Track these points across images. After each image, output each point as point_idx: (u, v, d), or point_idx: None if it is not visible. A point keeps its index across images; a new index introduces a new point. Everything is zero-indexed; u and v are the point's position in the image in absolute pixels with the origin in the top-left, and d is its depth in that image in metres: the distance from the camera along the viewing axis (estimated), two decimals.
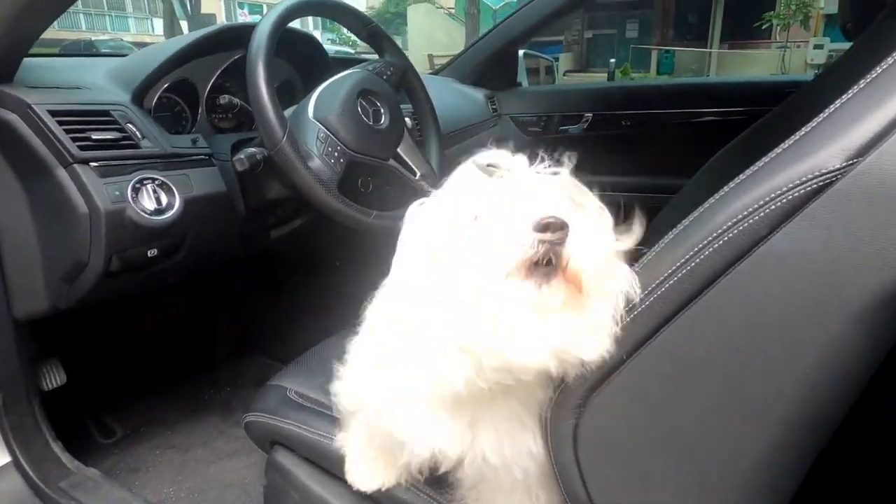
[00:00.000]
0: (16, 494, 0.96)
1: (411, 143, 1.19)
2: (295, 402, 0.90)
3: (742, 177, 0.50)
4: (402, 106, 1.23)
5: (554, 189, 0.55)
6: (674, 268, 0.50)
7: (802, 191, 0.45)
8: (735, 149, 1.06)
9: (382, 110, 1.09)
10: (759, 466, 0.50)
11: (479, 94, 2.26)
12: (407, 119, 1.37)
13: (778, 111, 1.08)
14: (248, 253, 1.34)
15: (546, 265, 0.50)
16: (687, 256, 0.49)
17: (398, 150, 1.13)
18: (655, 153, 2.11)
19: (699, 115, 2.02)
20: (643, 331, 0.52)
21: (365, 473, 0.76)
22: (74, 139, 0.88)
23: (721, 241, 0.47)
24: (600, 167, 2.24)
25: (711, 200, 0.52)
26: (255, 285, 1.60)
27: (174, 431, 1.34)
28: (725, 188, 0.51)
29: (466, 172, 0.58)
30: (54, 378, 1.09)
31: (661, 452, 0.53)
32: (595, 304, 0.51)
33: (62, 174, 0.87)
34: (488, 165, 0.55)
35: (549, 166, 0.57)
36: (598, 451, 0.57)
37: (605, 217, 0.57)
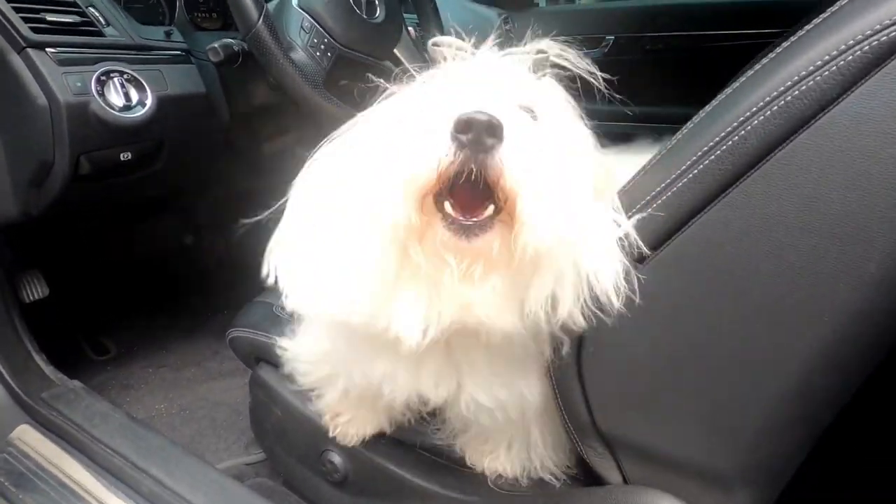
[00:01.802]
0: None
1: (412, 46, 1.07)
2: (279, 317, 0.84)
3: (808, 27, 0.39)
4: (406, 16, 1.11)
5: (516, 85, 0.43)
6: (711, 144, 0.40)
7: (888, 36, 0.34)
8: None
9: (377, 2, 0.97)
10: (794, 393, 0.42)
11: (492, 14, 2.09)
12: (410, 29, 1.24)
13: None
14: (239, 168, 1.26)
15: (469, 181, 0.37)
16: (728, 129, 0.39)
17: (395, 51, 1.02)
18: (684, 80, 1.94)
19: (735, 38, 1.84)
20: (665, 225, 0.43)
21: (348, 427, 0.70)
22: (26, 20, 0.78)
23: (775, 107, 0.38)
24: (622, 95, 2.10)
25: (764, 62, 0.41)
26: (247, 205, 1.52)
27: (168, 351, 1.31)
28: (784, 44, 0.41)
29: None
30: (35, 290, 1.05)
31: (678, 372, 0.46)
32: (539, 243, 0.38)
33: (16, 60, 0.78)
34: (434, 44, 0.46)
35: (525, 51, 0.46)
36: (605, 369, 0.49)
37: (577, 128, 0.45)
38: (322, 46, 0.86)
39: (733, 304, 0.42)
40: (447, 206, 0.40)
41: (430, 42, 0.46)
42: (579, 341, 0.50)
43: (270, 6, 0.91)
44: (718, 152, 0.40)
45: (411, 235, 0.40)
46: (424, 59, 1.11)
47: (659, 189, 0.43)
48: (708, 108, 0.43)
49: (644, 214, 0.44)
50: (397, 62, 1.02)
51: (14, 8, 0.77)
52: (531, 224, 0.38)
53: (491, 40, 0.47)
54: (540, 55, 0.46)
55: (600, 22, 2.08)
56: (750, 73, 0.41)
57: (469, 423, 0.63)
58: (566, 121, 0.46)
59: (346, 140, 0.48)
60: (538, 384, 0.55)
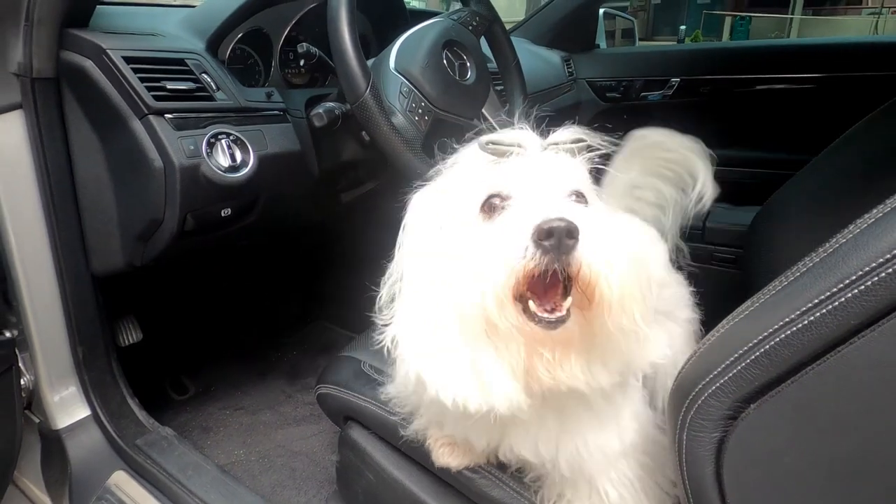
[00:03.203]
0: (95, 447, 0.97)
1: (497, 102, 1.09)
2: (370, 376, 0.85)
3: None
4: None
5: (567, 174, 0.49)
6: (892, 253, 0.38)
7: None
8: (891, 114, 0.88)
9: (469, 64, 0.99)
10: None
11: (554, 56, 2.11)
12: None
13: None
14: (318, 216, 1.29)
15: (552, 277, 0.43)
16: None
17: (483, 109, 1.03)
18: (754, 123, 1.90)
19: (810, 81, 1.79)
20: (832, 333, 0.41)
21: (449, 454, 0.71)
22: (149, 88, 0.83)
23: None
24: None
25: None
26: (321, 248, 1.56)
27: (243, 392, 1.34)
28: None
29: (470, 154, 0.53)
30: (131, 335, 1.09)
31: (838, 488, 0.43)
32: (616, 322, 0.45)
33: (137, 126, 0.83)
34: (489, 143, 0.50)
35: (567, 140, 0.51)
36: (752, 477, 0.47)
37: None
38: (420, 111, 0.88)
39: None
40: (531, 304, 0.45)
41: (484, 141, 0.50)
42: (720, 441, 0.47)
43: None
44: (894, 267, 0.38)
45: (509, 331, 0.45)
46: (506, 114, 1.13)
47: (820, 299, 0.41)
48: (871, 217, 0.41)
49: (803, 324, 0.41)
50: (485, 119, 1.03)
51: (140, 78, 0.83)
52: (615, 308, 0.44)
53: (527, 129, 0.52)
54: (580, 143, 0.51)
55: (665, 64, 2.07)
56: None
57: (543, 474, 0.64)
58: (597, 200, 0.52)
59: (435, 227, 0.53)
60: (595, 439, 0.56)
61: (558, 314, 0.44)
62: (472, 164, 0.53)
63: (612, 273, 0.43)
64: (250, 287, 1.52)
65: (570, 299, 0.45)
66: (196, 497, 0.83)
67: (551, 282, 0.44)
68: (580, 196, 0.49)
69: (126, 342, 1.08)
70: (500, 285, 0.43)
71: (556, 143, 0.50)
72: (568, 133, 0.51)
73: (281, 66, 1.16)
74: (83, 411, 0.97)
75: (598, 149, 0.53)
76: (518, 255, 0.42)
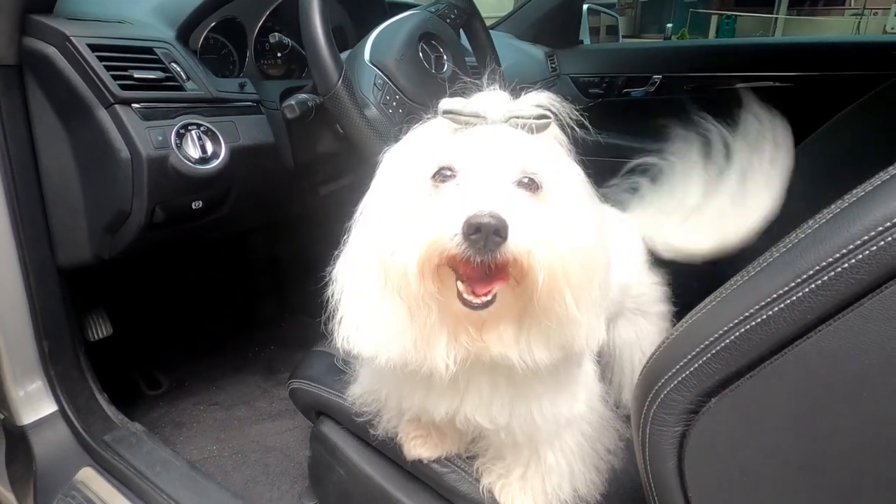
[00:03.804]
0: (61, 443, 0.95)
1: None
2: (343, 371, 0.84)
3: None
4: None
5: (521, 154, 0.48)
6: (848, 248, 0.38)
7: None
8: (860, 113, 0.89)
9: (445, 57, 0.98)
10: None
11: (538, 52, 2.11)
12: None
13: None
14: (295, 210, 1.28)
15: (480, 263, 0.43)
16: (865, 238, 0.37)
17: None
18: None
19: (790, 79, 1.81)
20: (789, 328, 0.41)
21: (421, 445, 0.71)
22: (116, 77, 0.81)
23: None
24: (666, 133, 2.07)
25: None
26: (301, 242, 1.54)
27: (218, 388, 1.32)
28: None
29: (433, 121, 0.53)
30: (100, 329, 1.07)
31: (799, 482, 0.43)
32: (544, 306, 0.46)
33: (103, 115, 0.81)
34: (445, 112, 0.49)
35: (531, 115, 0.49)
36: (712, 471, 0.47)
37: (580, 195, 0.50)
38: (394, 103, 0.87)
39: (873, 418, 0.40)
40: (459, 285, 0.46)
41: (441, 109, 0.50)
42: (682, 435, 0.48)
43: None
44: (853, 261, 0.38)
45: (430, 301, 0.46)
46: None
47: (778, 294, 0.41)
48: (835, 209, 0.41)
49: (762, 319, 0.41)
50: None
51: (105, 66, 0.80)
52: (544, 295, 0.45)
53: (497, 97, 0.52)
54: (543, 120, 0.50)
55: (648, 61, 2.08)
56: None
57: (490, 441, 0.66)
58: (565, 179, 0.50)
59: (379, 199, 0.53)
60: (551, 407, 0.58)
61: (484, 298, 0.45)
62: (433, 129, 0.52)
63: (541, 266, 0.44)
64: (225, 280, 1.49)
65: (497, 285, 0.45)
66: (164, 493, 0.82)
67: (480, 265, 0.44)
68: (530, 181, 0.48)
69: (96, 336, 1.05)
70: (422, 261, 0.44)
71: (519, 118, 0.49)
72: (535, 103, 0.50)
73: (256, 56, 1.14)
74: (49, 407, 0.95)
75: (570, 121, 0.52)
76: (446, 239, 0.43)
